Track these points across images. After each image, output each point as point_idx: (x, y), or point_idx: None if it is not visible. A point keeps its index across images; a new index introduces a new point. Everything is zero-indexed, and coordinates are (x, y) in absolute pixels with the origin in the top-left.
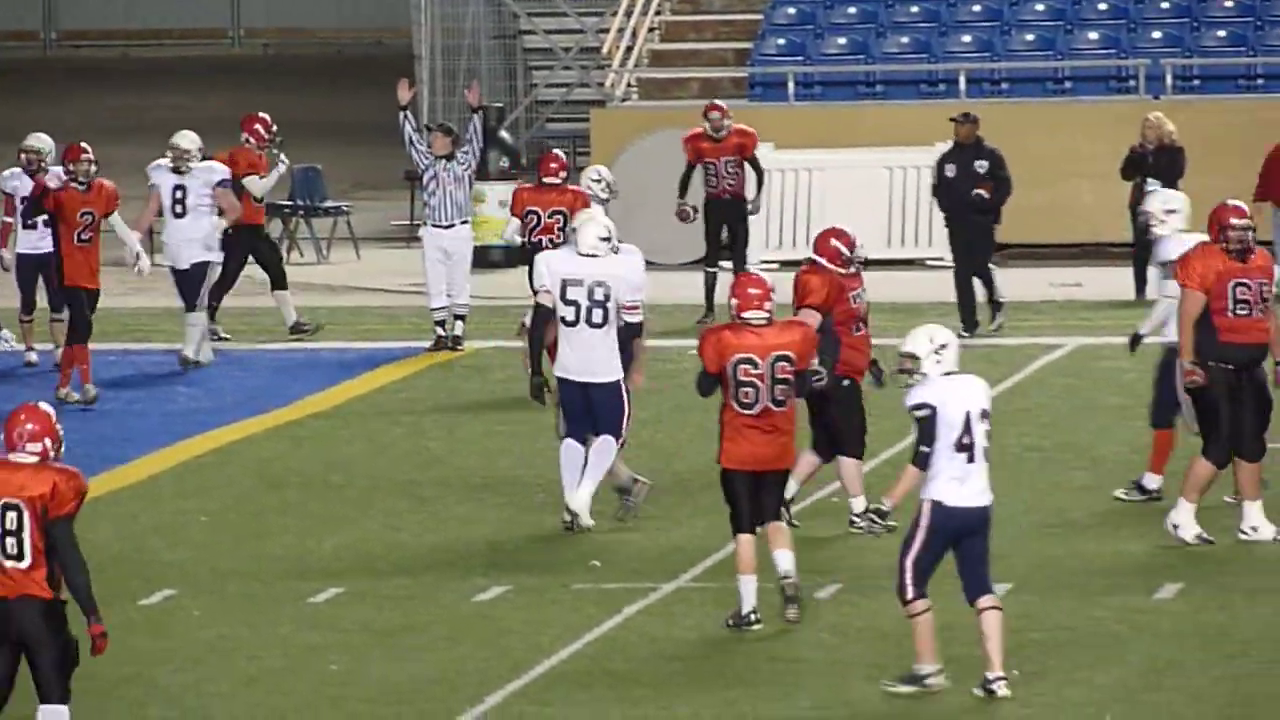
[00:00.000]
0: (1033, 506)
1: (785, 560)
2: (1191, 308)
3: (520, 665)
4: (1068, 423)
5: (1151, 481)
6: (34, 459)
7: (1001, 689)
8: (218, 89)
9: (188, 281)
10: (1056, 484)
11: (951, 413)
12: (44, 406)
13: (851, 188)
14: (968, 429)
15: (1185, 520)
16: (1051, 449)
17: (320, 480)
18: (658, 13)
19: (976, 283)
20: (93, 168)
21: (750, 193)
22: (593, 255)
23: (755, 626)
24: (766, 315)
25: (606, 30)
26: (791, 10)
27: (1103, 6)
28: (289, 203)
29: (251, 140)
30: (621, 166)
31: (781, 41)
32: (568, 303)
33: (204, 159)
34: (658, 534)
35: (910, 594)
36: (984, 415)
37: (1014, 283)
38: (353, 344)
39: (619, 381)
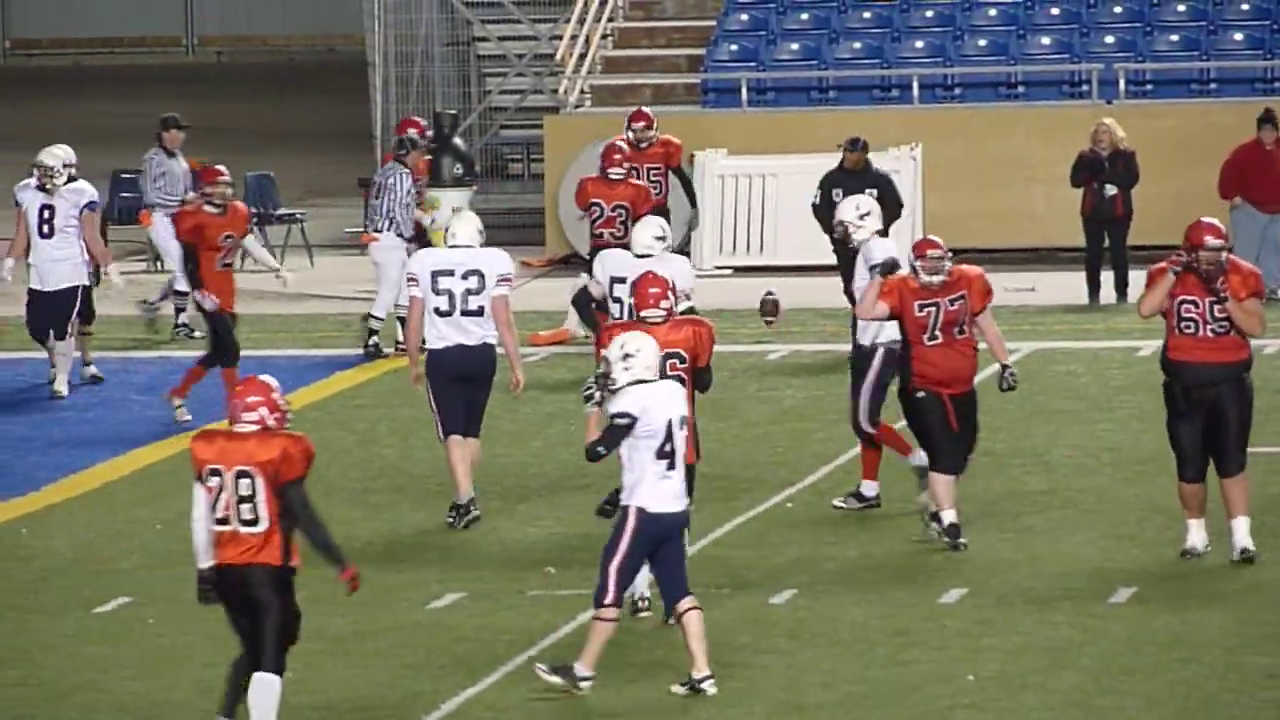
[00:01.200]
0: (986, 511)
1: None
2: None
3: (475, 671)
4: (1021, 427)
5: (869, 489)
6: (253, 428)
7: (709, 687)
8: (171, 97)
9: (57, 307)
10: (1010, 489)
11: (654, 421)
12: (265, 379)
13: (805, 193)
14: (669, 437)
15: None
16: (1005, 453)
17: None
18: (611, 19)
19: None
20: (229, 190)
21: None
22: (646, 255)
23: (644, 615)
24: (663, 313)
25: (560, 37)
26: (744, 16)
27: (1055, 11)
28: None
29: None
30: (575, 173)
31: (734, 47)
32: (614, 300)
33: (73, 180)
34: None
35: (610, 598)
36: (683, 423)
37: None
38: (306, 351)
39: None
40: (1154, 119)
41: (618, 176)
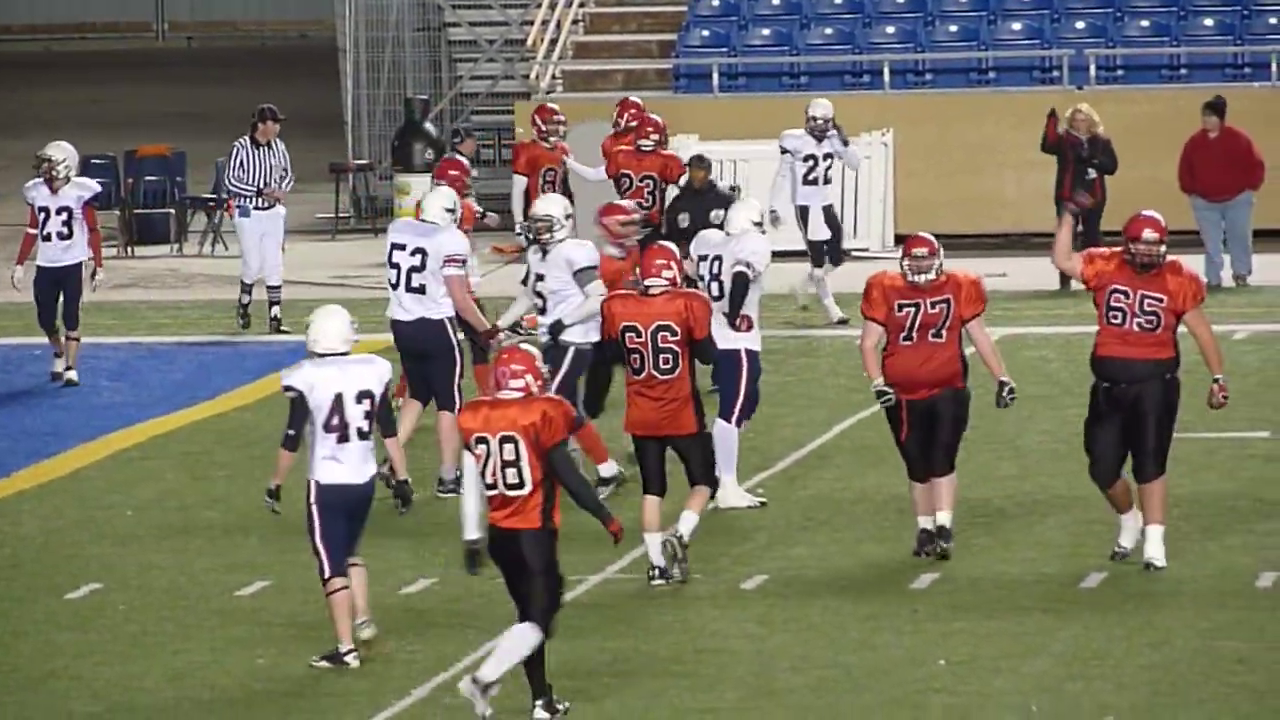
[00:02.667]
0: (958, 496)
1: (686, 522)
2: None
3: (446, 657)
4: (992, 412)
5: (606, 470)
6: (518, 394)
7: (366, 630)
8: (142, 83)
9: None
10: (982, 474)
11: (319, 396)
12: (526, 348)
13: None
14: (336, 411)
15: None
16: (976, 439)
17: (245, 473)
18: (581, 4)
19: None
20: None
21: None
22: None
23: (658, 582)
24: (665, 283)
25: (531, 22)
26: (715, 2)
27: None
28: (212, 195)
29: (534, 133)
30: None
31: (706, 33)
32: (699, 277)
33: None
34: (584, 526)
35: (327, 573)
36: (362, 397)
37: None
38: (277, 336)
39: (738, 350)
40: (1125, 104)
41: (648, 148)
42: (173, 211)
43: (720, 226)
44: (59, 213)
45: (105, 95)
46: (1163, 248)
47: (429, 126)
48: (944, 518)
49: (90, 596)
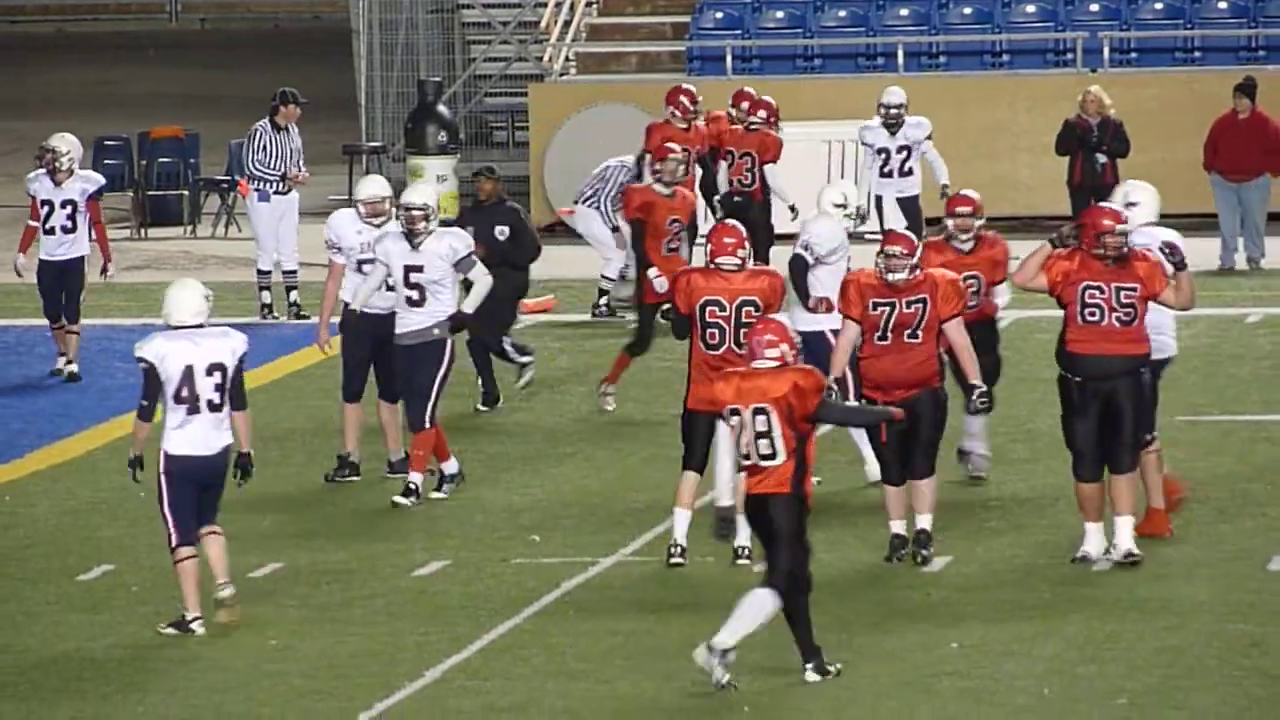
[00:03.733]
0: (970, 479)
1: (745, 527)
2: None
3: (459, 640)
4: (1004, 395)
5: (448, 468)
6: (773, 364)
7: (225, 590)
8: (155, 64)
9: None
10: (994, 457)
11: (169, 368)
12: (780, 318)
13: (789, 161)
14: (186, 382)
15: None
16: (989, 422)
17: (258, 456)
18: None
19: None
20: (681, 169)
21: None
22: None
23: (676, 560)
24: (738, 262)
25: (544, 4)
26: None
27: None
28: (226, 177)
29: (676, 113)
30: (559, 141)
31: (719, 15)
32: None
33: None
34: (597, 509)
35: (174, 542)
36: (213, 369)
37: None
38: (292, 319)
39: (821, 332)
40: (1138, 88)
41: (755, 126)
42: (186, 193)
43: (506, 241)
44: (63, 206)
45: (117, 77)
46: (1125, 239)
47: (442, 109)
48: (924, 520)
49: (103, 578)
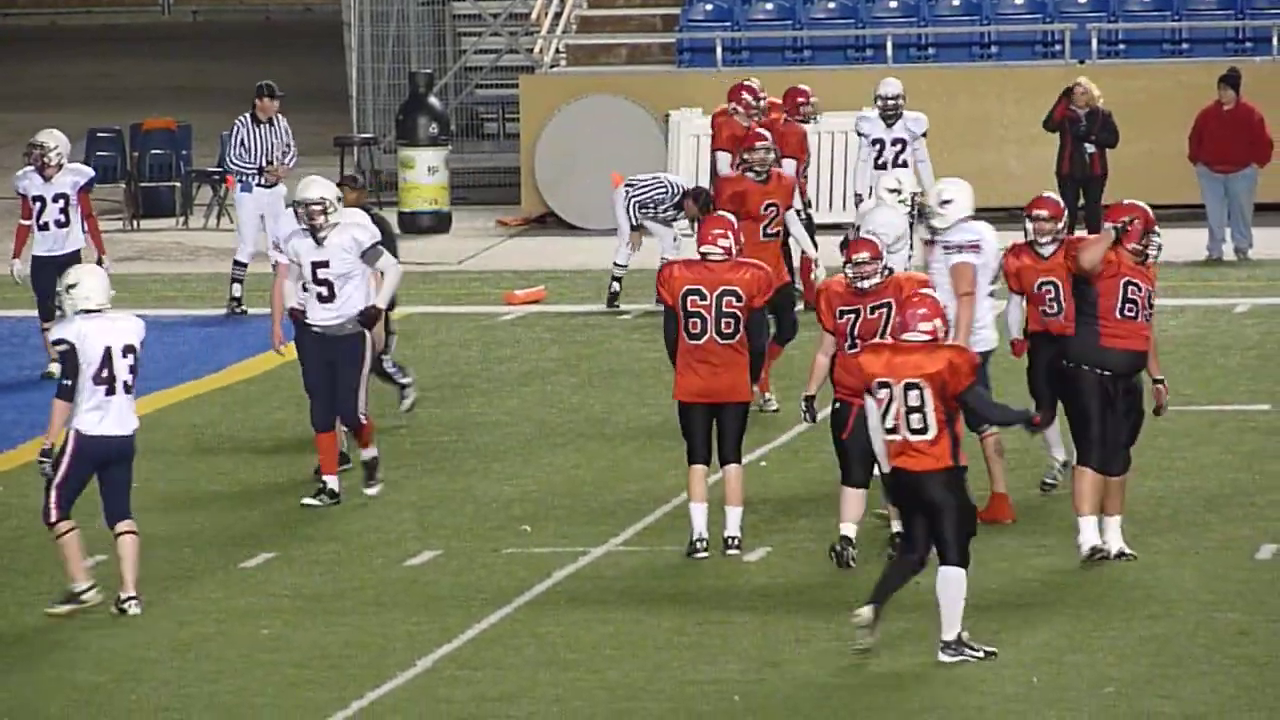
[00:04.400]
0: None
1: (732, 519)
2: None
3: (450, 629)
4: (994, 385)
5: (366, 454)
6: (925, 338)
7: (133, 608)
8: (147, 57)
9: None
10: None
11: (90, 348)
12: (929, 291)
13: None
14: (106, 364)
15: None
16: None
17: (250, 446)
18: None
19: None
20: (770, 155)
21: None
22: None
23: (700, 555)
24: (721, 252)
25: None
26: None
27: None
28: (217, 169)
29: (740, 109)
30: (550, 132)
31: (709, 7)
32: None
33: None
34: (588, 499)
35: (54, 517)
36: (127, 351)
37: None
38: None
39: None
40: (1126, 79)
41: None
42: (178, 185)
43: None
44: (55, 200)
45: (111, 69)
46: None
47: (433, 100)
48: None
49: (96, 568)
